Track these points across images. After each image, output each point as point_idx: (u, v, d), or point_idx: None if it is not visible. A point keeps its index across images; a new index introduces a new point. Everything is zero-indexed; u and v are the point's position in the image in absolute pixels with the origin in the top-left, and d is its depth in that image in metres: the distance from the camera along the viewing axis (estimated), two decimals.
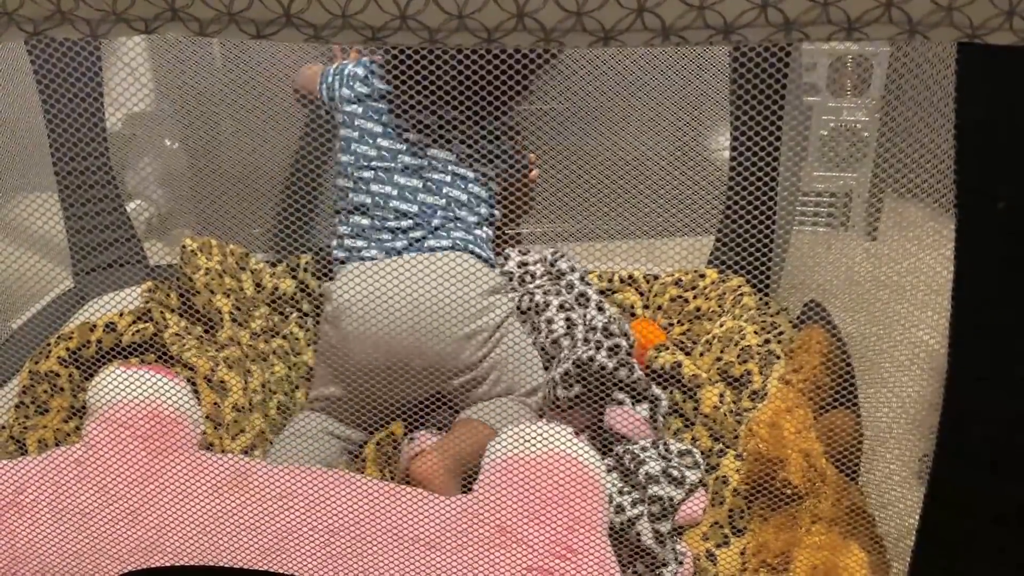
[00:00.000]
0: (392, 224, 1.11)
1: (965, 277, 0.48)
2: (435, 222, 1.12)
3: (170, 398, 0.89)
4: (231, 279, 1.16)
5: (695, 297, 1.32)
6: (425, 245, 1.10)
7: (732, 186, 1.40)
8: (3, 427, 1.04)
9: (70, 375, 1.07)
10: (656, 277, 1.43)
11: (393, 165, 1.14)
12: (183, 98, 1.73)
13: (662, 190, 1.67)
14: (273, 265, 1.31)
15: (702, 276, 1.35)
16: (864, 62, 1.64)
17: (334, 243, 1.15)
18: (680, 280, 1.37)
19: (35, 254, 1.49)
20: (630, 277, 1.43)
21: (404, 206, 1.12)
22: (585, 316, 1.17)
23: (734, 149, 1.39)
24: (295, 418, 1.11)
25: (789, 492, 0.92)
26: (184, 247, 1.15)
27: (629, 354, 1.06)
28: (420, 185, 1.13)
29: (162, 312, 1.12)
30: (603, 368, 1.04)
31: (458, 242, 1.12)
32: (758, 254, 1.35)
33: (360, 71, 1.19)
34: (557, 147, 1.50)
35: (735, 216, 1.40)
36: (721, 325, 1.22)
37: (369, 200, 1.12)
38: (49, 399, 1.04)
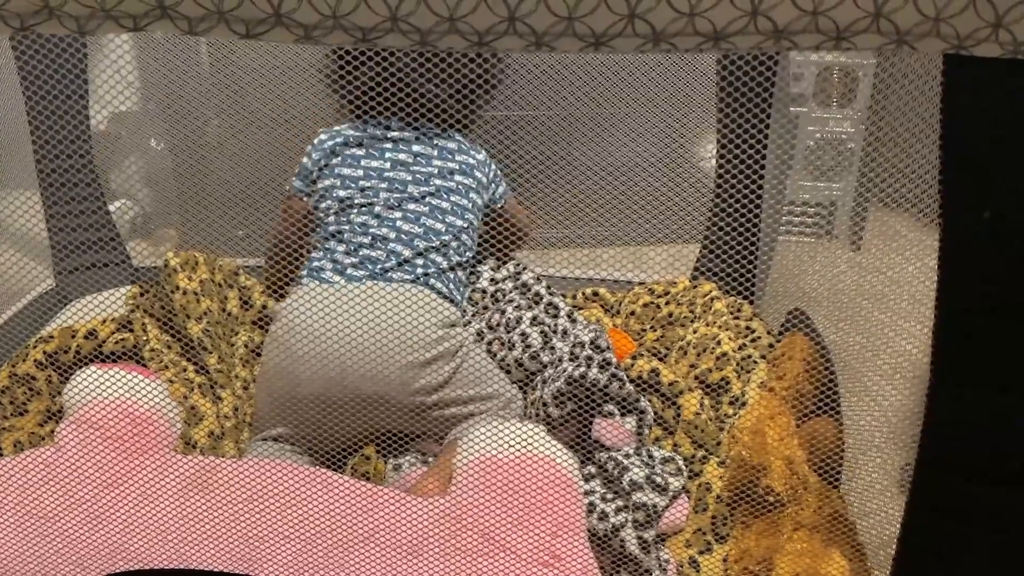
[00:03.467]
0: (366, 252, 1.12)
1: (949, 286, 0.49)
2: (406, 253, 1.12)
3: (145, 397, 0.88)
4: (210, 300, 1.14)
5: (667, 303, 1.32)
6: (387, 275, 1.11)
7: (718, 194, 1.40)
8: None
9: (48, 378, 1.06)
10: (629, 284, 1.44)
11: (375, 200, 1.15)
12: (170, 98, 1.72)
13: (648, 197, 1.68)
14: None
15: (673, 283, 1.36)
16: (850, 73, 1.66)
17: (303, 265, 1.16)
18: (653, 289, 1.38)
19: (16, 252, 1.48)
20: (594, 294, 1.43)
21: (382, 232, 1.13)
22: (558, 327, 1.17)
23: (720, 157, 1.40)
24: (251, 449, 1.05)
25: (771, 499, 0.92)
26: (166, 263, 1.12)
27: (619, 366, 1.06)
28: (400, 216, 1.14)
29: (143, 324, 1.11)
30: (596, 383, 1.04)
31: (421, 277, 1.12)
32: (743, 262, 1.36)
33: (324, 136, 1.22)
34: (542, 154, 1.50)
35: (721, 224, 1.41)
36: (695, 331, 1.22)
37: (347, 228, 1.13)
38: (27, 401, 1.03)
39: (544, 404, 1.06)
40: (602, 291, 1.43)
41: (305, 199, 1.20)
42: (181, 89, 1.62)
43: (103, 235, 1.47)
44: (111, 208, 1.54)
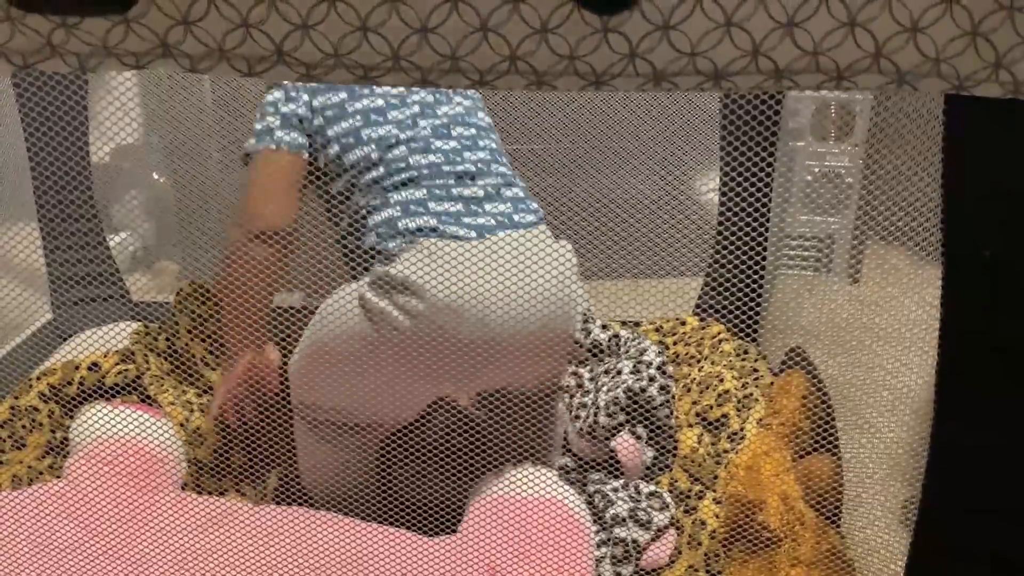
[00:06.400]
0: (456, 191, 0.99)
1: (952, 324, 0.49)
2: (492, 180, 1.02)
3: (154, 436, 0.88)
4: (215, 323, 1.15)
5: (675, 343, 1.33)
6: (514, 220, 1.01)
7: (721, 230, 1.41)
8: None
9: (50, 411, 1.05)
10: (637, 324, 1.44)
11: (418, 132, 1.01)
12: (172, 132, 1.73)
13: (649, 231, 1.68)
14: None
15: (683, 323, 1.36)
16: (847, 108, 1.67)
17: (376, 232, 0.99)
18: (661, 327, 1.38)
19: (15, 284, 1.48)
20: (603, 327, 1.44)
21: (458, 168, 1.00)
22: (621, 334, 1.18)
23: (723, 193, 1.40)
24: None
25: (767, 535, 0.92)
26: (179, 291, 1.13)
27: (673, 398, 1.09)
28: (457, 145, 1.03)
29: (145, 355, 1.11)
30: (651, 401, 1.06)
31: (535, 212, 1.04)
32: (747, 298, 1.36)
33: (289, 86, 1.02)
34: (544, 186, 1.51)
35: (724, 260, 1.41)
36: (700, 369, 1.23)
37: (415, 173, 0.99)
38: (27, 434, 1.03)
39: (596, 409, 1.07)
40: (616, 326, 1.44)
41: (301, 153, 1.00)
42: (183, 123, 1.63)
43: (102, 269, 1.46)
44: (112, 241, 1.55)
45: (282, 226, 0.98)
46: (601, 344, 1.27)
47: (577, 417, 1.14)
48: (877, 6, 0.43)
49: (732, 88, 0.46)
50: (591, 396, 1.14)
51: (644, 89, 0.46)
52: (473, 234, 0.96)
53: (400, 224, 0.97)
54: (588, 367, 1.25)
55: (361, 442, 1.02)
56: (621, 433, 1.09)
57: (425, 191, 0.99)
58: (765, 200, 1.40)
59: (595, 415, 1.09)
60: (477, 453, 1.05)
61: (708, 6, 0.44)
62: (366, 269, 0.99)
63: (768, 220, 1.44)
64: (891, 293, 1.15)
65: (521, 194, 1.05)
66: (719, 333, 1.30)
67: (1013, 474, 0.59)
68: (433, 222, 0.96)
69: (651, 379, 1.09)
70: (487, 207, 1.00)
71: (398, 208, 0.98)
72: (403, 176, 0.99)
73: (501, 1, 0.44)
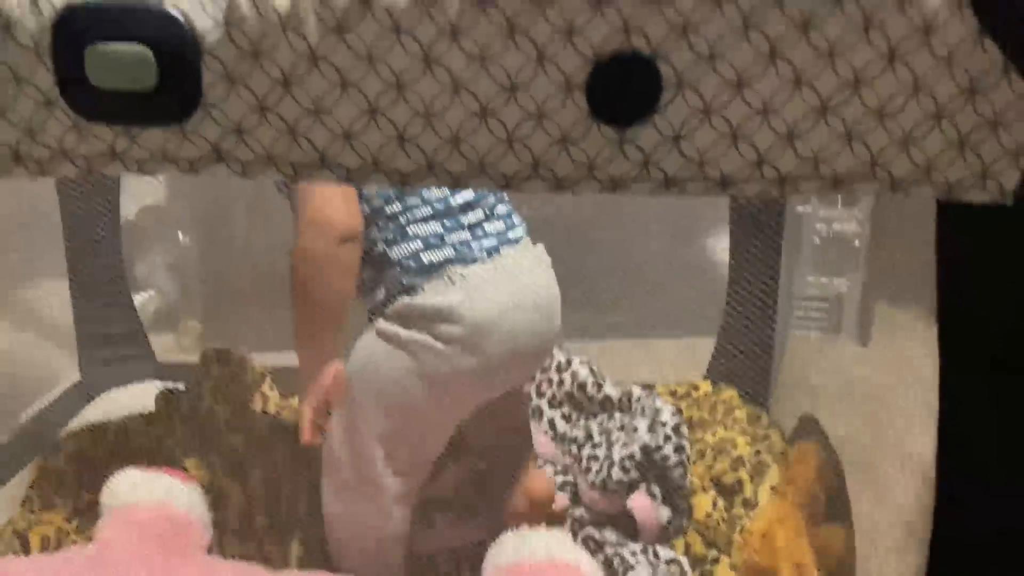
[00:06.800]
0: (463, 219, 1.06)
1: (950, 420, 0.51)
2: (487, 201, 1.09)
3: (182, 500, 0.91)
4: (238, 386, 1.19)
5: (689, 407, 1.35)
6: (509, 237, 1.08)
7: (732, 290, 1.43)
8: (8, 522, 1.05)
9: (78, 474, 1.08)
10: (652, 387, 1.46)
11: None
12: (197, 192, 1.78)
13: (660, 290, 1.70)
14: (284, 397, 1.33)
15: (696, 387, 1.38)
16: None
17: (400, 265, 1.03)
18: (675, 391, 1.40)
19: (43, 340, 1.51)
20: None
21: (460, 200, 1.07)
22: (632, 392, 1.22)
23: (733, 255, 1.43)
24: None
25: None
26: (204, 355, 1.16)
27: (689, 459, 1.11)
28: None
29: (170, 419, 1.14)
30: (666, 460, 1.08)
31: (520, 223, 1.13)
32: (758, 360, 1.38)
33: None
34: (554, 245, 1.55)
35: (735, 322, 1.43)
36: (713, 434, 1.25)
37: (430, 209, 1.05)
38: (55, 495, 1.06)
39: (610, 463, 1.09)
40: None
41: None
42: (209, 184, 1.69)
43: (129, 328, 1.50)
44: (136, 299, 1.59)
45: (359, 227, 1.01)
46: (612, 399, 1.29)
47: (588, 469, 1.16)
48: (872, 121, 0.47)
49: (738, 193, 0.49)
50: (602, 450, 1.16)
51: (657, 194, 0.50)
52: (485, 255, 1.05)
53: (424, 257, 1.03)
54: (598, 420, 1.27)
55: (402, 494, 1.06)
56: (638, 491, 1.11)
57: (440, 225, 1.05)
58: (775, 261, 1.43)
59: (608, 469, 1.11)
60: (488, 502, 1.08)
61: (716, 121, 0.48)
62: (385, 303, 1.04)
63: (778, 281, 1.46)
64: (900, 354, 1.17)
65: (507, 208, 1.13)
66: (731, 399, 1.33)
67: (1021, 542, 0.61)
68: (451, 252, 1.04)
69: (667, 438, 1.11)
70: (487, 228, 1.08)
71: (419, 242, 1.04)
72: (422, 212, 1.05)
73: (526, 116, 0.48)
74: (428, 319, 1.00)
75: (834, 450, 1.14)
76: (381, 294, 1.04)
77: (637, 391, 1.26)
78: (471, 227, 1.06)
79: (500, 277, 1.02)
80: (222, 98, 0.49)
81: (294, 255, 0.98)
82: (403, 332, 1.00)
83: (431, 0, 0.46)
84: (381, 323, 1.02)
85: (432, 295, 1.00)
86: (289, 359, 1.09)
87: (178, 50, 0.47)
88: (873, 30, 0.45)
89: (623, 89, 0.48)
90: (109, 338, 1.47)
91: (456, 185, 0.51)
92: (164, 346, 1.59)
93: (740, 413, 1.28)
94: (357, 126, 0.49)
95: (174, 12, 0.47)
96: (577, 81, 0.47)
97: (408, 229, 1.03)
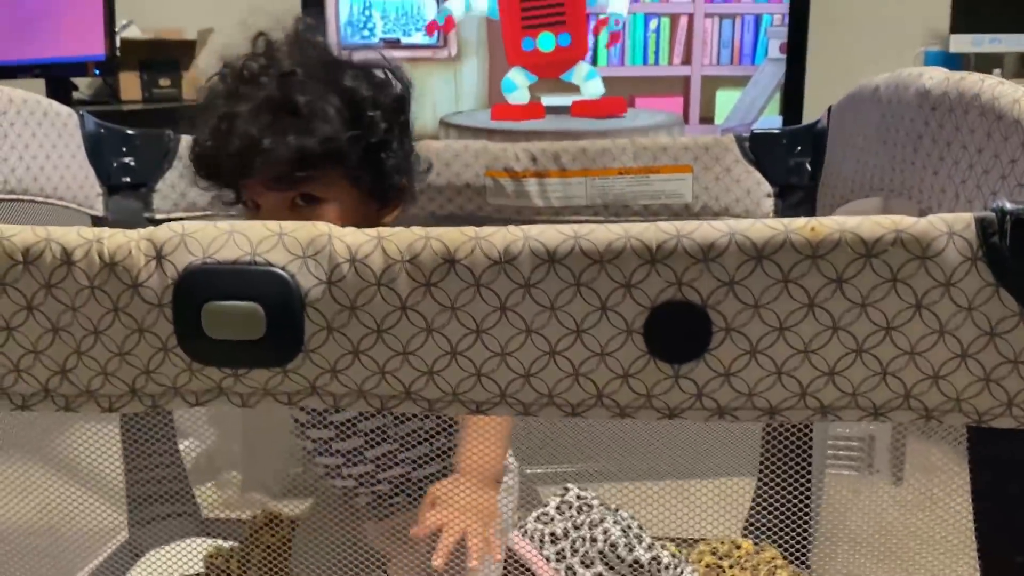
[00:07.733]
0: None
1: None
2: None
3: None
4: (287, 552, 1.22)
5: (731, 567, 1.36)
6: None
7: (767, 434, 1.45)
8: None
9: None
10: (695, 542, 1.47)
11: None
12: None
13: (696, 432, 1.72)
14: None
15: (738, 546, 1.40)
16: None
17: None
18: (716, 549, 1.41)
19: (90, 494, 1.54)
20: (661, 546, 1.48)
21: None
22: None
23: None
24: None
25: None
26: (254, 519, 1.20)
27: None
28: None
29: None
30: (637, 562, 1.10)
31: None
32: (796, 511, 1.38)
33: None
34: None
35: (772, 464, 1.45)
36: None
37: None
38: None
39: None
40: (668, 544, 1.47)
41: None
42: None
43: (177, 487, 1.52)
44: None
45: None
46: (641, 562, 1.31)
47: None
48: (904, 360, 0.52)
49: (785, 420, 0.54)
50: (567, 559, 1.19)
51: (710, 420, 0.55)
52: None
53: None
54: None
55: None
56: None
57: None
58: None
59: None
60: None
61: (762, 360, 0.53)
62: None
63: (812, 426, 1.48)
64: (935, 494, 1.18)
65: None
66: (774, 559, 1.34)
67: None
68: None
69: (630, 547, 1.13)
70: None
71: None
72: None
73: (591, 353, 0.54)
74: None
75: None
76: None
77: (666, 557, 1.25)
78: None
79: None
80: (321, 344, 0.55)
81: None
82: None
83: (508, 259, 0.53)
84: None
85: None
86: None
87: (285, 305, 0.54)
88: (900, 284, 0.51)
89: (677, 332, 0.53)
90: (158, 496, 1.49)
91: (526, 414, 0.57)
92: (208, 500, 1.60)
93: (783, 573, 1.29)
94: (440, 364, 0.55)
95: (283, 273, 0.54)
96: (636, 326, 0.53)
97: None
